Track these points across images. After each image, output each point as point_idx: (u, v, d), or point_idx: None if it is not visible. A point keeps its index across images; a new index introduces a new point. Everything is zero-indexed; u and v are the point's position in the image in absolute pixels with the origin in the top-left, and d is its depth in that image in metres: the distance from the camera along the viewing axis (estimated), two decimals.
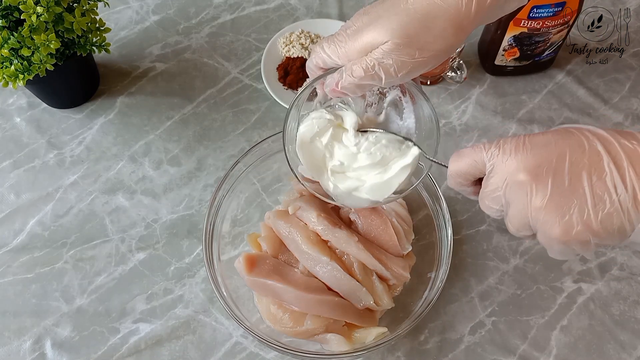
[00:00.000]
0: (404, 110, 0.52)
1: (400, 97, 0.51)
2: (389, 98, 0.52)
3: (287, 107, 0.79)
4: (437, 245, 0.65)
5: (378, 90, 0.52)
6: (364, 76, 0.44)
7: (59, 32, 0.68)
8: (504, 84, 0.83)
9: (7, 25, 0.65)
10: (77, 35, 0.69)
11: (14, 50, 0.65)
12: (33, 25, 0.63)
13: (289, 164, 0.52)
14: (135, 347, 0.65)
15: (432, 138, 0.50)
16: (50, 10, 0.64)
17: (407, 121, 0.52)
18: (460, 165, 0.43)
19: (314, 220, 0.61)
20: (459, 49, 0.76)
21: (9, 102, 0.83)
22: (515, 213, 0.39)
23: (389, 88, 0.51)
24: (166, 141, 0.79)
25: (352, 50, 0.44)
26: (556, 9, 0.70)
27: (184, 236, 0.72)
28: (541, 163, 0.37)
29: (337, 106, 0.53)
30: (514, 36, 0.74)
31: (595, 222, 0.36)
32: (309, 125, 0.52)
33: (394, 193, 0.52)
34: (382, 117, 0.53)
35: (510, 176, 0.38)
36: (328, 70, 0.47)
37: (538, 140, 0.38)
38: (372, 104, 0.53)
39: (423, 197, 0.67)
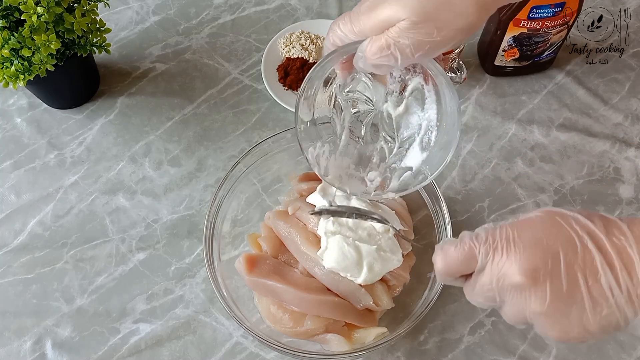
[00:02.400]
0: (426, 100, 0.50)
1: (422, 86, 0.49)
2: (410, 86, 0.50)
3: (287, 107, 0.79)
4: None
5: (400, 77, 0.50)
6: (379, 56, 0.41)
7: (60, 33, 0.68)
8: (503, 85, 0.83)
9: (7, 26, 0.65)
10: (78, 36, 0.70)
11: (15, 51, 0.65)
12: (33, 25, 0.63)
13: (300, 144, 0.50)
14: (136, 347, 0.65)
15: (452, 132, 0.48)
16: (51, 10, 0.64)
17: (429, 112, 0.50)
18: (448, 265, 0.41)
19: (313, 220, 0.61)
20: (458, 49, 0.76)
21: (10, 103, 0.83)
22: (511, 311, 0.39)
23: (411, 75, 0.49)
24: (166, 142, 0.79)
25: (366, 26, 0.41)
26: (556, 9, 0.70)
27: (185, 236, 0.72)
28: (537, 266, 0.36)
29: (356, 92, 0.52)
30: (513, 36, 0.74)
31: (594, 324, 0.36)
32: None
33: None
34: (402, 107, 0.51)
35: (505, 278, 0.38)
36: (343, 47, 0.45)
37: (528, 237, 0.37)
38: (392, 92, 0.51)
39: (423, 197, 0.67)
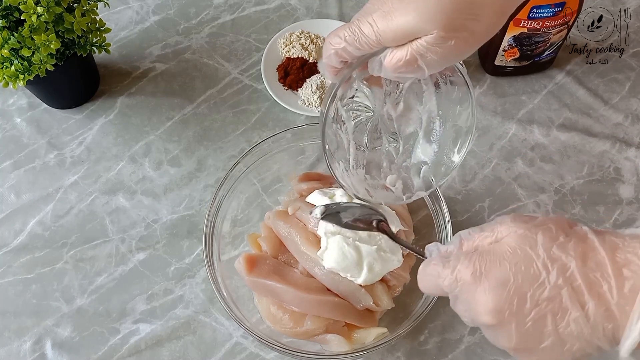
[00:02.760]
0: (424, 94, 0.49)
1: (418, 80, 0.48)
2: (406, 84, 0.49)
3: (287, 107, 0.79)
4: None
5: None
6: (404, 69, 0.41)
7: (59, 33, 0.68)
8: (503, 84, 0.83)
9: (7, 26, 0.65)
10: (77, 36, 0.69)
11: (14, 51, 0.65)
12: (33, 25, 0.63)
13: (327, 163, 0.49)
14: (136, 347, 0.65)
15: (462, 118, 0.47)
16: (51, 10, 0.64)
17: (428, 104, 0.50)
18: (424, 286, 0.42)
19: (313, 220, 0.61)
20: None
21: (9, 103, 0.83)
22: (489, 338, 0.39)
23: None
24: (166, 141, 0.79)
25: (387, 38, 0.39)
26: (556, 9, 0.70)
27: (184, 236, 0.72)
28: (502, 308, 0.36)
29: (354, 102, 0.51)
30: (513, 36, 0.74)
31: (566, 357, 0.35)
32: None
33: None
34: (401, 105, 0.50)
35: (474, 314, 0.37)
36: (359, 59, 0.43)
37: (496, 276, 0.36)
38: (390, 92, 0.50)
39: (423, 197, 0.67)
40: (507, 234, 0.38)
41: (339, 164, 0.51)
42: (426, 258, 0.43)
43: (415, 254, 0.45)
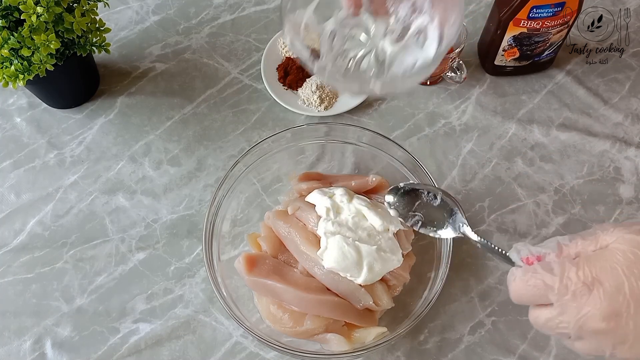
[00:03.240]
0: (427, 41, 0.48)
1: (426, 26, 0.48)
2: (414, 26, 0.48)
3: (287, 107, 0.79)
4: (436, 245, 0.65)
5: (404, 18, 0.48)
6: None
7: (59, 33, 0.68)
8: (503, 84, 0.83)
9: (7, 26, 0.65)
10: (77, 36, 0.69)
11: (14, 51, 0.65)
12: (33, 25, 0.63)
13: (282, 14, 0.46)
14: (135, 346, 0.65)
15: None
16: (50, 10, 0.64)
17: (427, 50, 0.48)
18: (519, 297, 0.41)
19: (313, 220, 0.61)
20: (459, 49, 0.76)
21: (9, 102, 0.83)
22: (588, 348, 0.39)
23: (417, 15, 0.48)
24: (166, 141, 0.79)
25: None
26: (556, 9, 0.70)
27: (184, 236, 0.72)
28: (619, 311, 0.36)
29: (353, 37, 0.50)
30: (513, 36, 0.74)
31: None
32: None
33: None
34: (400, 45, 0.49)
35: (585, 322, 0.37)
36: None
37: (609, 279, 0.36)
38: (393, 31, 0.49)
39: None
40: (613, 240, 0.38)
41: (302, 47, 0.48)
42: (513, 259, 0.42)
43: (503, 259, 0.45)
